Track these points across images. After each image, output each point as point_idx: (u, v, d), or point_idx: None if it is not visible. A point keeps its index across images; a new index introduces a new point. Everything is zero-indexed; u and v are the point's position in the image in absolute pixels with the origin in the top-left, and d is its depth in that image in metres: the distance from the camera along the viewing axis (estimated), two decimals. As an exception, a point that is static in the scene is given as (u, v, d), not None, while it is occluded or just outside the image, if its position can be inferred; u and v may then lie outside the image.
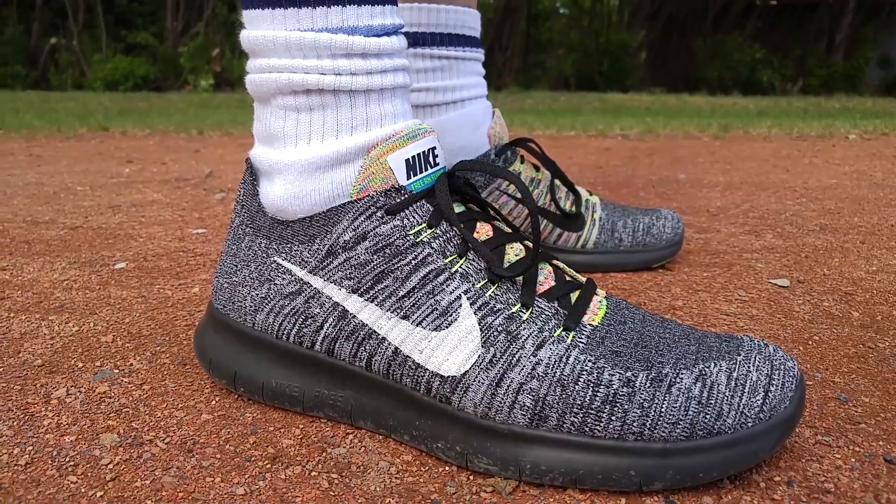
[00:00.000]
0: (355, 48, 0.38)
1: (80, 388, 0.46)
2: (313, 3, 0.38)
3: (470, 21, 0.69)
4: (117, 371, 0.48)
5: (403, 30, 0.42)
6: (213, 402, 0.44)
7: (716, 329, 0.59)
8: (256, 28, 0.40)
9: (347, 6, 0.38)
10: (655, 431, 0.34)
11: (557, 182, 0.74)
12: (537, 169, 0.75)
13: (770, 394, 0.35)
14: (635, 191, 1.33)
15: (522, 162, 0.73)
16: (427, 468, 0.37)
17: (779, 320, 0.61)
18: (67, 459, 0.37)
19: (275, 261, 0.42)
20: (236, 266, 0.44)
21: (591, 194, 0.77)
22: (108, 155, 1.96)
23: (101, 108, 4.49)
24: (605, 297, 0.41)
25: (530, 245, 0.42)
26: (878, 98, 6.33)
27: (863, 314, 0.63)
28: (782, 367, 0.36)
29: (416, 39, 0.67)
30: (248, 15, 0.41)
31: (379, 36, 0.39)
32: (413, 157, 0.40)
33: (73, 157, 1.92)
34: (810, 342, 0.56)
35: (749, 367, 0.36)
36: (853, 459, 0.38)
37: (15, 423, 0.41)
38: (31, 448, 0.38)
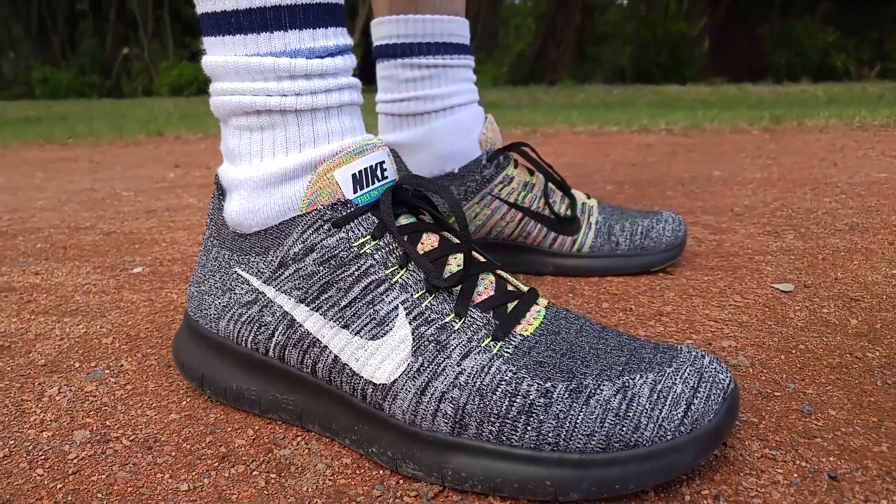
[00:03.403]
0: (298, 70, 0.40)
1: (72, 386, 0.50)
2: (258, 29, 0.40)
3: (457, 29, 0.70)
4: (108, 371, 0.52)
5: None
6: (184, 403, 0.47)
7: (698, 336, 0.58)
8: (213, 54, 0.43)
9: (289, 31, 0.40)
10: (571, 442, 0.34)
11: (552, 186, 0.75)
12: (531, 173, 0.75)
13: (693, 406, 0.35)
14: (663, 189, 1.30)
15: (516, 166, 0.74)
16: (362, 471, 0.39)
17: (768, 328, 0.60)
18: (40, 453, 0.40)
19: (235, 271, 0.44)
20: (204, 276, 0.46)
21: (588, 198, 0.77)
22: (160, 159, 2.06)
23: (164, 113, 4.70)
24: (546, 307, 0.41)
25: (480, 258, 0.43)
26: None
27: (861, 322, 0.60)
28: (711, 379, 0.36)
29: (404, 50, 0.68)
30: (205, 41, 0.43)
31: (322, 57, 0.41)
32: (360, 171, 0.42)
33: (128, 163, 2.03)
34: (794, 351, 0.55)
35: (676, 379, 0.36)
36: (795, 475, 0.38)
37: (5, 419, 0.45)
38: (12, 442, 0.42)
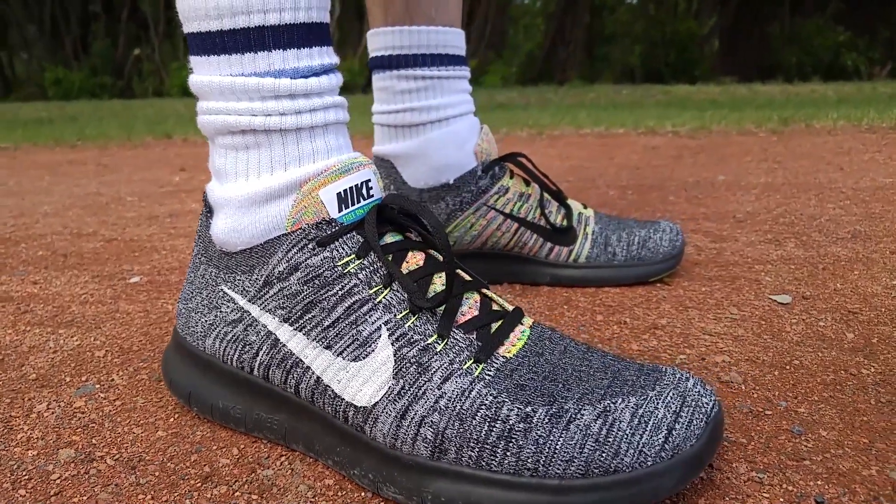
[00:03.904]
0: (282, 90, 0.40)
1: (61, 402, 0.50)
2: (242, 49, 0.40)
3: (453, 40, 0.69)
4: (98, 386, 0.52)
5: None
6: (171, 420, 0.47)
7: (692, 351, 0.57)
8: (199, 73, 0.43)
9: (273, 51, 0.40)
10: (550, 468, 0.34)
11: (548, 196, 0.74)
12: (527, 183, 0.75)
13: (674, 432, 0.35)
14: (665, 195, 1.29)
15: (512, 177, 0.74)
16: (344, 493, 0.39)
17: (763, 342, 0.59)
18: (24, 473, 0.41)
19: (221, 289, 0.44)
20: (192, 293, 0.46)
21: (585, 208, 0.77)
22: (166, 162, 2.07)
23: (174, 114, 4.72)
24: (531, 328, 0.41)
25: (465, 276, 0.43)
26: (977, 81, 5.85)
27: (858, 336, 0.60)
28: (694, 403, 0.36)
29: (399, 62, 0.68)
30: (192, 60, 0.43)
31: (306, 77, 0.41)
32: (345, 190, 0.42)
33: (135, 166, 2.04)
34: (788, 367, 0.54)
35: (658, 403, 0.36)
36: (781, 500, 0.37)
37: (-8, 437, 0.45)
38: (-3, 461, 0.42)
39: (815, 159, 1.71)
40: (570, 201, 0.75)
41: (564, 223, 0.73)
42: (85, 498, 0.38)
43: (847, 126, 2.48)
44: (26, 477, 0.40)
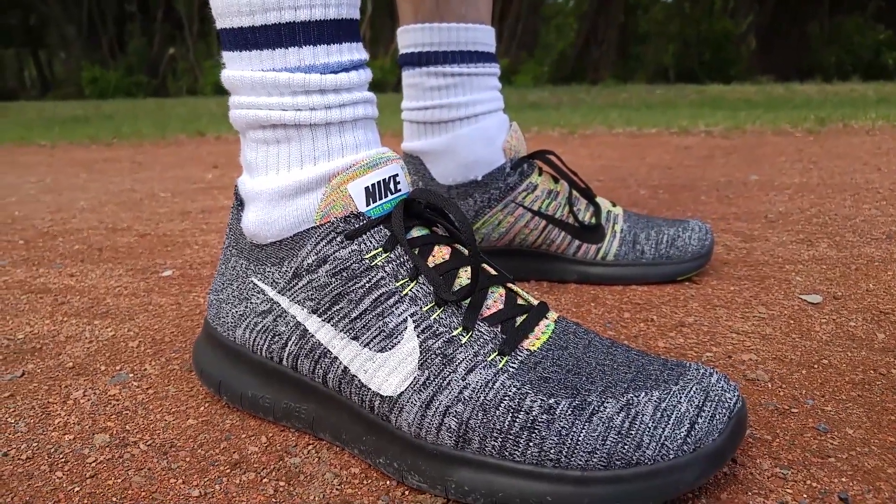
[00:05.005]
0: (312, 85, 0.41)
1: (96, 390, 0.51)
2: (273, 45, 0.41)
3: (483, 37, 0.70)
4: (132, 375, 0.54)
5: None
6: (202, 409, 0.48)
7: (719, 349, 0.57)
8: (231, 68, 0.44)
9: (304, 47, 0.41)
10: (572, 459, 0.34)
11: (576, 194, 0.74)
12: (556, 181, 0.75)
13: (697, 426, 0.35)
14: (697, 194, 1.28)
15: (540, 174, 0.74)
16: (369, 481, 0.39)
17: (792, 341, 0.58)
18: (60, 456, 0.42)
19: (251, 280, 0.45)
20: (223, 284, 0.48)
21: (614, 205, 0.76)
22: (199, 160, 2.11)
23: (207, 112, 4.80)
24: (556, 322, 0.41)
25: (491, 271, 0.44)
26: None
27: (889, 336, 0.59)
28: (717, 398, 0.36)
29: (429, 59, 0.69)
30: (224, 56, 0.44)
31: (336, 73, 0.42)
32: (373, 184, 0.43)
33: (168, 163, 2.08)
34: (817, 366, 0.53)
35: (681, 397, 0.35)
36: (805, 496, 0.37)
37: (31, 421, 0.47)
38: (35, 444, 0.44)
39: (851, 159, 1.67)
40: (598, 199, 0.75)
41: (593, 221, 0.73)
42: (119, 481, 0.39)
43: (886, 126, 2.42)
44: (63, 460, 0.42)
